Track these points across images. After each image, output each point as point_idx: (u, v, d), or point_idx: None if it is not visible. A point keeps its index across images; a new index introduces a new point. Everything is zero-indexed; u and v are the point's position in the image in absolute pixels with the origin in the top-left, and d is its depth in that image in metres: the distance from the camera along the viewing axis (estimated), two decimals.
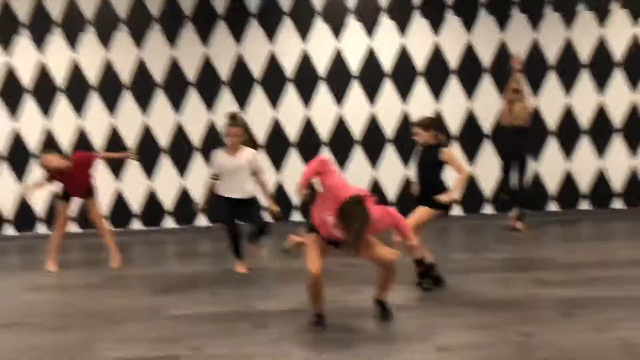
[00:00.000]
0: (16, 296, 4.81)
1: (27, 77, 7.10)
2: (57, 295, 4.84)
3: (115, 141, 7.14)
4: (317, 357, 3.26)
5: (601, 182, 7.22)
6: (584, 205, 7.27)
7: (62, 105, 7.13)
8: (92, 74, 7.10)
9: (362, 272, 4.73)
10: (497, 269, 4.98)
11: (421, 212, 4.41)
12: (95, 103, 7.14)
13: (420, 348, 3.32)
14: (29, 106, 7.12)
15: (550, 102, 7.07)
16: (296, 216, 7.26)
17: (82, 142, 7.14)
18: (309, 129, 7.15)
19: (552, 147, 7.18)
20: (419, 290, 4.45)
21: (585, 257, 5.24)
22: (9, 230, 7.32)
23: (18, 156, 7.19)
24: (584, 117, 7.15)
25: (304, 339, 3.55)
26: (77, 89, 7.12)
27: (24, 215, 7.29)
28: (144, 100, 7.14)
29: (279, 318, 3.94)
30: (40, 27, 7.04)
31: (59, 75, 7.10)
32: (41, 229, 7.28)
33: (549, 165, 7.19)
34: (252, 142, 5.22)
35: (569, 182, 7.22)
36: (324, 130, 7.16)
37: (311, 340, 3.52)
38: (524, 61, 6.49)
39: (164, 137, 7.19)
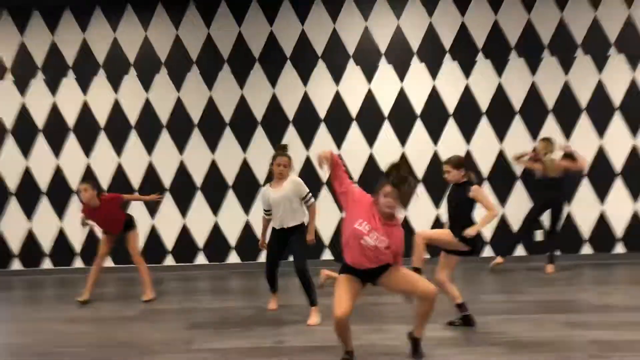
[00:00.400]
0: (53, 327, 4.94)
1: (71, 117, 7.46)
2: (93, 327, 4.94)
3: (150, 177, 7.38)
4: None
5: (636, 225, 7.12)
6: (619, 249, 7.15)
7: (102, 142, 7.45)
8: (132, 114, 7.42)
9: (391, 310, 4.71)
10: (529, 310, 4.91)
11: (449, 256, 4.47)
12: (133, 142, 7.44)
13: None
14: (72, 144, 7.46)
15: (584, 143, 7.04)
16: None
17: (120, 178, 7.43)
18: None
19: (585, 189, 7.13)
20: (450, 329, 4.42)
21: (618, 301, 5.14)
22: (47, 264, 7.57)
23: (59, 192, 7.51)
24: (618, 159, 7.11)
25: None
26: (117, 127, 7.44)
27: (62, 249, 7.53)
28: (181, 139, 7.40)
29: (308, 353, 3.96)
30: (85, 69, 7.44)
31: (100, 116, 7.45)
32: (78, 263, 7.51)
33: (583, 208, 7.12)
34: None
35: (603, 224, 7.13)
36: (356, 167, 7.25)
37: None
38: (571, 150, 6.44)
39: (198, 175, 7.40)
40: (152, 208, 7.40)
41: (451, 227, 4.52)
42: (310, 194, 4.98)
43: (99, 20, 7.39)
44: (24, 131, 7.53)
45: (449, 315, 4.53)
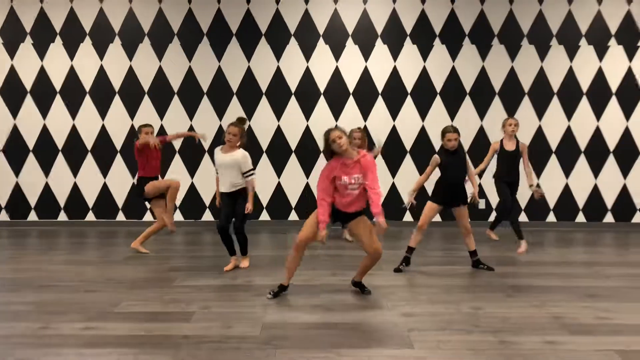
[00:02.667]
0: (50, 267, 5.60)
1: (58, 80, 7.97)
2: (84, 268, 5.60)
3: (132, 140, 7.98)
4: (303, 317, 4.05)
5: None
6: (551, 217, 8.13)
7: (87, 105, 8.00)
8: (116, 80, 7.97)
9: (347, 261, 5.52)
10: (468, 263, 5.79)
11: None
12: (117, 106, 8.01)
13: (388, 313, 4.12)
14: (58, 105, 7.99)
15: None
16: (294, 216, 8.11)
17: (104, 139, 8.03)
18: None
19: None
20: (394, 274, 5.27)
21: (543, 258, 6.07)
22: (33, 217, 8.15)
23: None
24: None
25: (295, 303, 4.34)
26: (102, 92, 7.99)
27: (47, 203, 8.12)
28: (161, 105, 8.00)
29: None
30: (72, 36, 7.93)
31: (86, 80, 7.98)
32: (62, 216, 8.12)
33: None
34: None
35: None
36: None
37: (301, 304, 4.31)
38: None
39: (177, 140, 8.02)
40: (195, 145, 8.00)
41: (455, 187, 5.38)
42: (253, 171, 5.43)
43: None
44: (12, 92, 8.00)
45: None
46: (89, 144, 8.02)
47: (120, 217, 8.11)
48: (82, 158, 8.04)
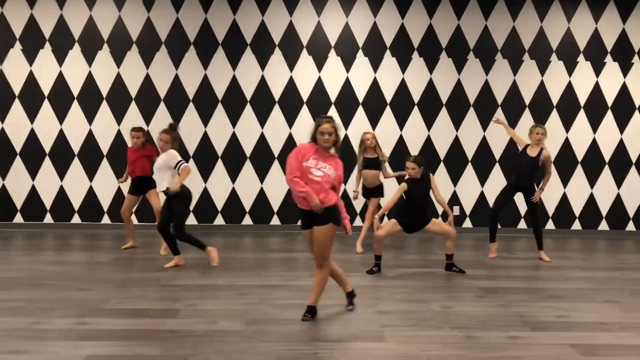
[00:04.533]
0: (40, 268, 5.79)
1: (47, 85, 8.15)
2: (73, 268, 5.79)
3: (120, 144, 8.17)
4: (285, 313, 4.32)
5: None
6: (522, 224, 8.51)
7: (75, 111, 8.18)
8: (104, 86, 8.18)
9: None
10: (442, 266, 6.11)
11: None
12: (104, 112, 8.21)
13: (365, 311, 4.41)
14: (46, 110, 8.16)
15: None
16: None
17: (90, 144, 8.21)
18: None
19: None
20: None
21: (513, 263, 6.44)
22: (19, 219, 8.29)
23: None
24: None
25: (277, 302, 4.60)
26: (90, 97, 8.19)
27: (33, 205, 8.27)
28: (148, 112, 8.22)
29: (258, 290, 4.99)
30: (61, 43, 8.12)
31: (74, 86, 8.17)
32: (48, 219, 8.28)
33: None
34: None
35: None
36: None
37: (282, 303, 4.57)
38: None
39: None
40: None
41: (419, 212, 5.77)
42: (182, 162, 5.73)
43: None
44: (1, 97, 8.15)
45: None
46: (75, 148, 8.19)
47: (106, 220, 8.29)
48: (69, 162, 8.20)
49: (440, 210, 7.84)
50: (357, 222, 8.17)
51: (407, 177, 5.80)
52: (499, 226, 6.80)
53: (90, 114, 8.21)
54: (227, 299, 4.70)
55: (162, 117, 8.16)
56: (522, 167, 6.53)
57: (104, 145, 8.22)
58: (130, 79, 8.20)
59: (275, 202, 8.37)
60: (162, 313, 4.29)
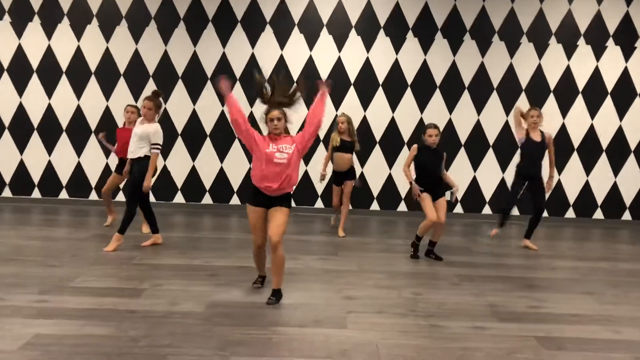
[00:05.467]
0: (18, 242, 5.76)
1: (35, 59, 8.07)
2: (48, 243, 5.77)
3: (107, 120, 8.10)
4: (250, 297, 4.24)
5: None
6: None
7: (64, 85, 8.10)
8: (93, 61, 8.08)
9: (307, 245, 5.71)
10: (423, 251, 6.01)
11: None
12: (93, 87, 8.12)
13: (333, 296, 4.33)
14: (35, 85, 8.09)
15: (495, 119, 8.12)
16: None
17: (78, 119, 8.14)
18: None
19: (490, 159, 8.25)
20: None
21: (503, 250, 6.33)
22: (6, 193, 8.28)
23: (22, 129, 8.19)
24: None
25: (244, 285, 4.53)
26: (78, 72, 8.09)
27: (20, 181, 8.26)
28: (136, 88, 8.12)
29: (230, 271, 4.92)
30: (50, 17, 8.01)
31: (63, 60, 8.08)
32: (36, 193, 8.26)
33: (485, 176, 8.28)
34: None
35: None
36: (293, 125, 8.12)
37: (248, 286, 4.50)
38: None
39: None
40: None
41: (431, 182, 5.57)
42: (159, 146, 5.55)
43: None
44: None
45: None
46: (64, 124, 8.13)
47: (93, 196, 8.25)
48: (57, 137, 8.15)
49: None
50: (319, 204, 8.21)
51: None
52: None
53: (78, 90, 8.13)
54: (196, 280, 4.63)
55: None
56: (532, 154, 6.23)
57: (92, 121, 8.16)
58: (119, 55, 8.09)
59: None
60: (126, 292, 4.23)
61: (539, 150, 6.21)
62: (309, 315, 3.89)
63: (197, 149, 8.23)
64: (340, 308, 4.07)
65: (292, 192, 4.23)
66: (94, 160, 8.19)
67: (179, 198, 8.36)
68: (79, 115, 8.14)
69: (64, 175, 8.23)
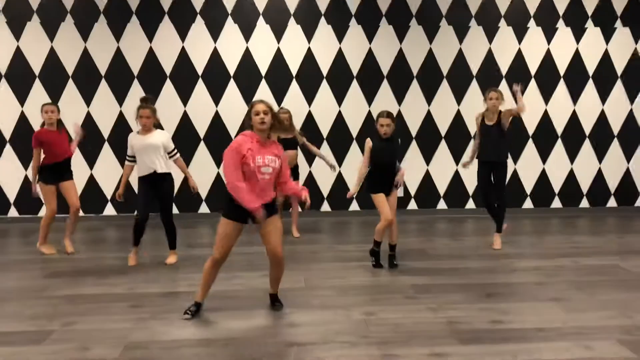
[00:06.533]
0: None
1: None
2: None
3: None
4: (173, 332, 3.65)
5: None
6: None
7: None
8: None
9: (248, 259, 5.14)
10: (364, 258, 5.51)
11: None
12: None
13: (273, 324, 3.77)
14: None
15: (446, 107, 7.68)
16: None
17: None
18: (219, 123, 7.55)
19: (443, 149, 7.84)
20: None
21: (461, 251, 5.90)
22: None
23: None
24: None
25: (169, 316, 3.92)
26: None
27: None
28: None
29: (156, 300, 4.30)
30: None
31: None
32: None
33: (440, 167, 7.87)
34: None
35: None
36: (233, 123, 7.51)
37: (175, 318, 3.89)
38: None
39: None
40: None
41: (388, 176, 5.04)
42: (177, 150, 5.32)
43: None
44: None
45: None
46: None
47: (13, 212, 7.45)
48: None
49: None
50: None
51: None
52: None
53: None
54: (116, 314, 3.98)
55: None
56: (486, 139, 5.74)
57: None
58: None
59: (203, 190, 7.63)
60: (28, 338, 3.56)
61: (494, 134, 5.67)
62: (242, 353, 3.32)
63: None
64: (281, 340, 3.52)
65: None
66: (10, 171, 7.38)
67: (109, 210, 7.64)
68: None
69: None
